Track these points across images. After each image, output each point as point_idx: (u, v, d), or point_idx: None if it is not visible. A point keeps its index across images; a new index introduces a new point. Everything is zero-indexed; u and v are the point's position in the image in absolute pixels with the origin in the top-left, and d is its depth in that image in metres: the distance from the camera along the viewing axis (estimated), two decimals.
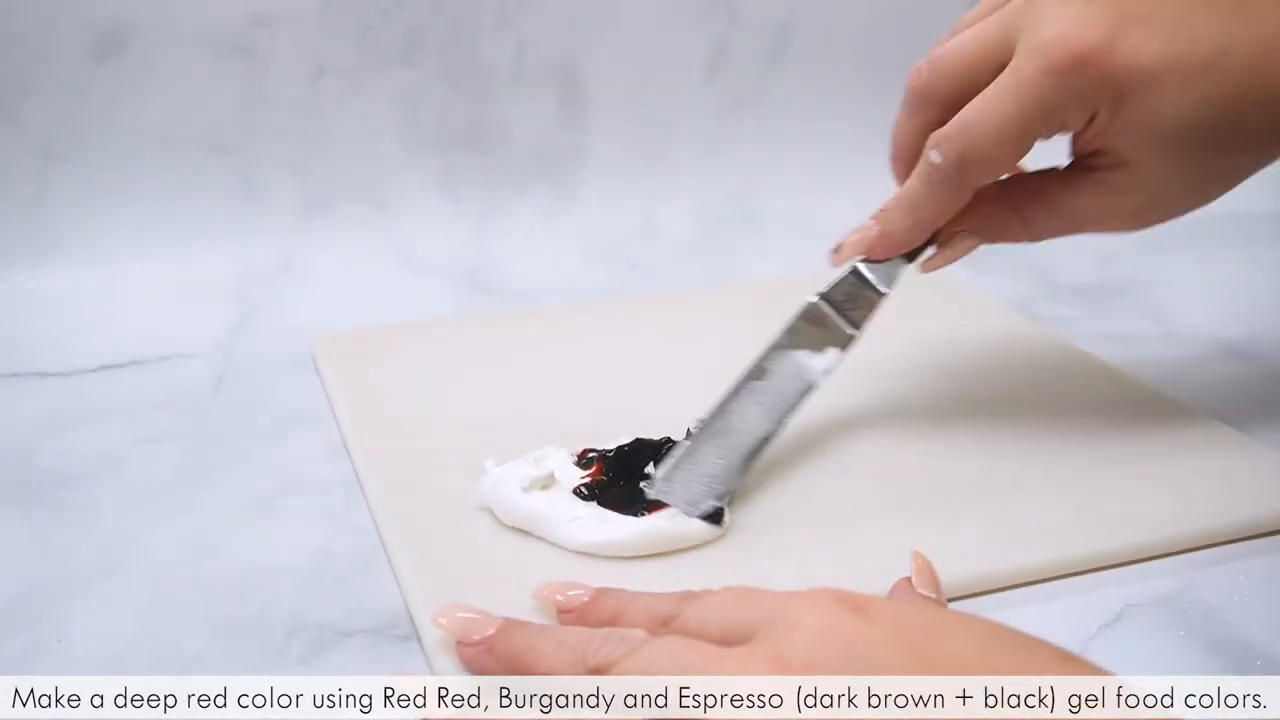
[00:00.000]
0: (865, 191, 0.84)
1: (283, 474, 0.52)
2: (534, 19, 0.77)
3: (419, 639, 0.40)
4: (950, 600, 0.42)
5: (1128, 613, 0.42)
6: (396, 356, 0.61)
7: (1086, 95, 0.44)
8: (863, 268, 0.50)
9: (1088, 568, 0.44)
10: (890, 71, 0.87)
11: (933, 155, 0.46)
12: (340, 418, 0.55)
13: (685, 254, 0.79)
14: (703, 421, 0.47)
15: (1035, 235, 0.49)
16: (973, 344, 0.62)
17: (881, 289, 0.49)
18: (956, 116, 0.45)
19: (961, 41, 0.47)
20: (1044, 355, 0.62)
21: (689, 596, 0.35)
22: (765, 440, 0.48)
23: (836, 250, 0.50)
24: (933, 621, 0.31)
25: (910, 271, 0.50)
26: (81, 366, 0.62)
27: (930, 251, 0.50)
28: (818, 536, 0.45)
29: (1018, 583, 0.43)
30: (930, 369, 0.60)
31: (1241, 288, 0.75)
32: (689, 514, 0.44)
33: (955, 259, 0.50)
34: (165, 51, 0.70)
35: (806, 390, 0.49)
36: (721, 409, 0.48)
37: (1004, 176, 0.48)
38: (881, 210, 0.49)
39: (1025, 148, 0.46)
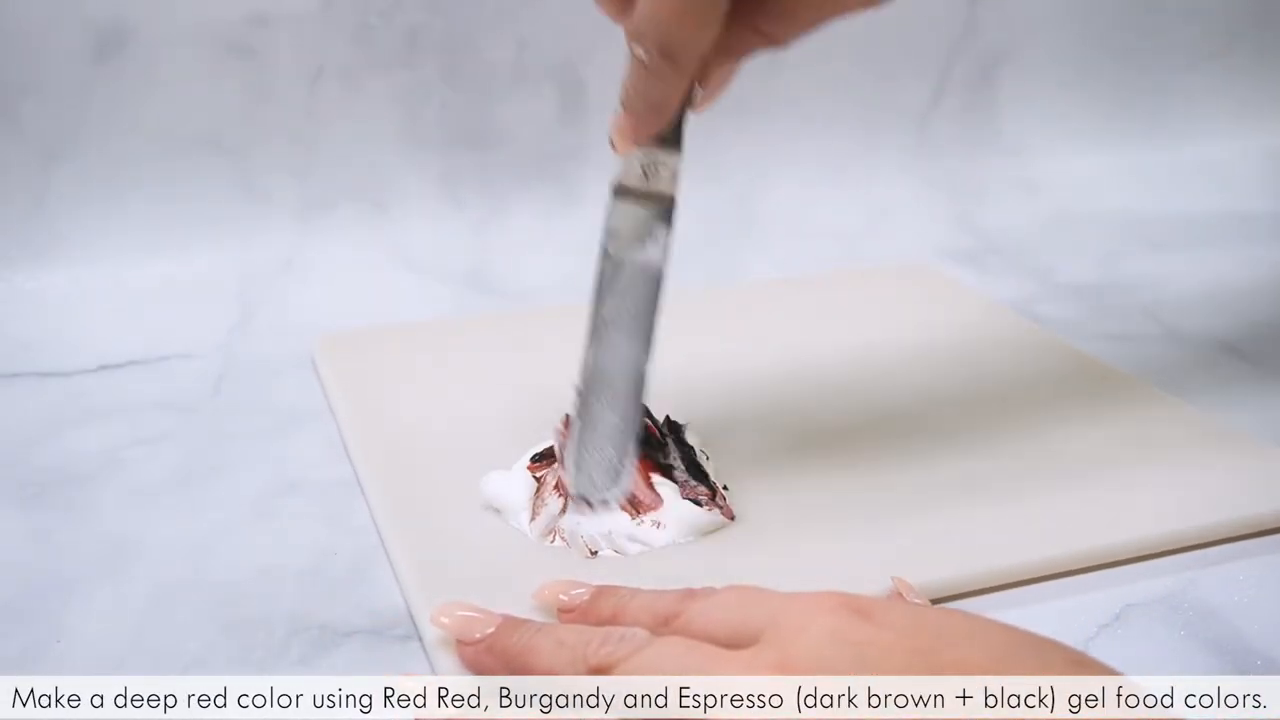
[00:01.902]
0: (865, 192, 0.85)
1: (283, 474, 0.52)
2: (534, 19, 0.77)
3: (419, 639, 0.40)
4: (950, 599, 0.42)
5: (1128, 613, 0.42)
6: (396, 356, 0.61)
7: None
8: (642, 150, 0.46)
9: (1088, 567, 0.44)
10: (890, 72, 0.88)
11: (638, 51, 0.44)
12: (340, 418, 0.55)
13: (685, 254, 0.78)
14: (578, 387, 0.45)
15: (783, 44, 0.45)
16: (973, 344, 0.62)
17: (672, 149, 0.46)
18: (637, 7, 0.43)
19: None
20: (1044, 355, 0.62)
21: (691, 595, 0.35)
22: (645, 367, 0.45)
23: (612, 145, 0.47)
24: (941, 626, 0.31)
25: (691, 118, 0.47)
26: (81, 366, 0.62)
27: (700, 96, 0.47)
28: (818, 535, 0.45)
29: (1018, 582, 0.43)
30: (930, 369, 0.60)
31: (1241, 288, 0.75)
32: (610, 500, 0.43)
33: (722, 88, 0.47)
34: (165, 51, 0.70)
35: (657, 282, 0.45)
36: (586, 360, 0.45)
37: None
38: (623, 97, 0.46)
39: (717, 17, 0.43)
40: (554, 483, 0.45)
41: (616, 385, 0.45)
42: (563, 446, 0.45)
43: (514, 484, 0.46)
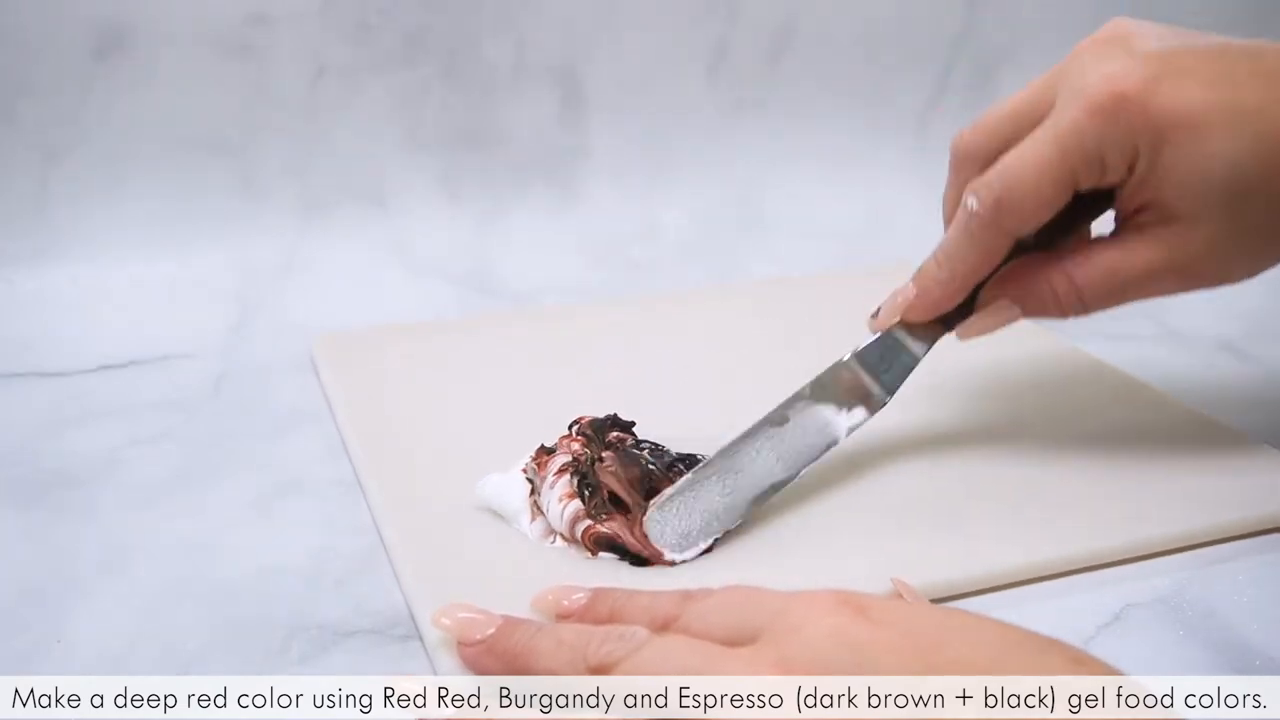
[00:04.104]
0: (865, 191, 0.85)
1: (283, 474, 0.52)
2: (534, 19, 0.77)
3: (420, 639, 0.40)
4: (950, 599, 0.42)
5: (1128, 613, 0.42)
6: (396, 356, 0.61)
7: (1127, 135, 0.43)
8: (899, 331, 0.48)
9: (1088, 567, 0.44)
10: (890, 71, 0.88)
11: (970, 201, 0.45)
12: (340, 418, 0.55)
13: (685, 254, 0.79)
14: (711, 458, 0.46)
15: (1083, 301, 0.46)
16: (973, 345, 0.62)
17: (917, 353, 0.48)
18: (996, 163, 0.45)
19: (1004, 100, 0.46)
20: (1044, 356, 0.61)
21: (689, 596, 0.35)
22: (776, 487, 0.46)
23: (874, 315, 0.49)
24: (941, 625, 0.30)
25: (948, 338, 0.49)
26: (81, 366, 0.62)
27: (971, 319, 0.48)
28: (818, 535, 0.45)
29: (1018, 581, 0.43)
30: (930, 370, 0.59)
31: (1241, 288, 0.74)
32: (675, 553, 0.43)
33: (994, 328, 0.48)
34: (165, 51, 0.70)
35: (828, 446, 0.47)
36: (734, 447, 0.46)
37: (1048, 243, 0.47)
38: (919, 270, 0.48)
39: (1064, 193, 0.44)
40: (551, 481, 0.45)
41: (741, 480, 0.45)
42: (539, 477, 0.46)
43: (510, 488, 0.46)
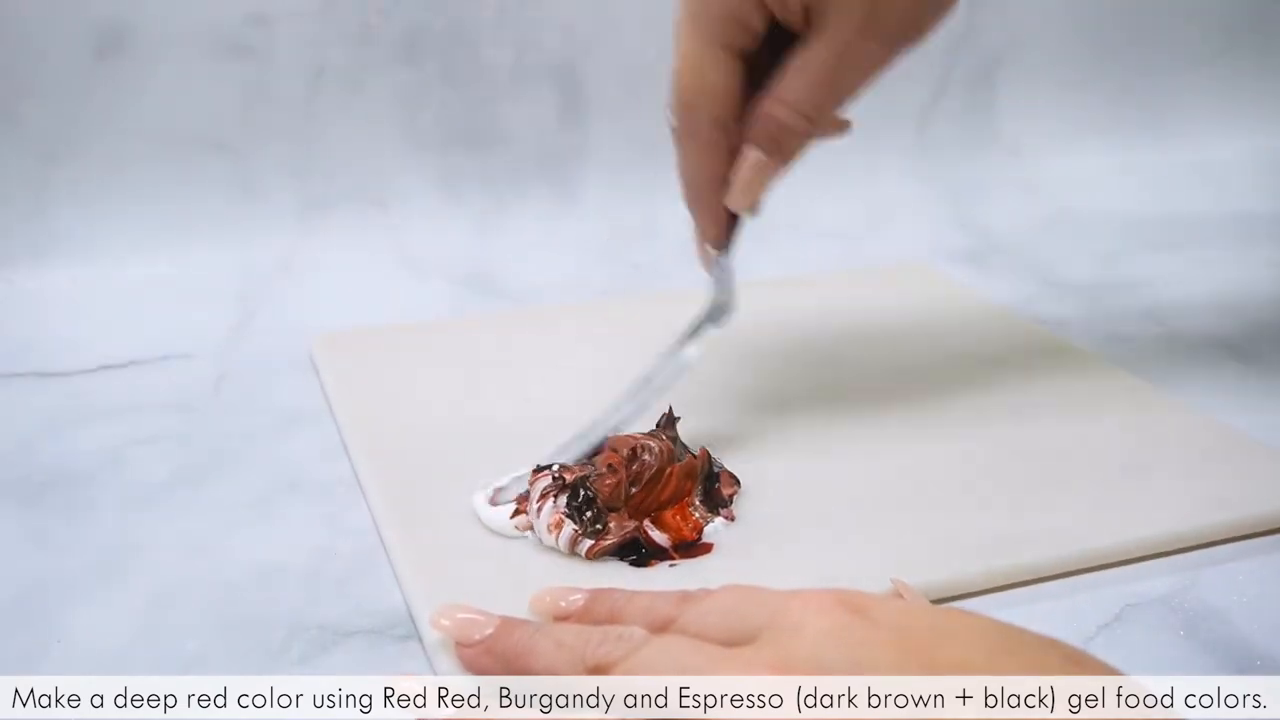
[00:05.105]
0: (865, 191, 0.85)
1: (282, 474, 0.52)
2: (534, 19, 0.77)
3: (419, 639, 0.40)
4: (950, 599, 0.42)
5: (1128, 613, 0.42)
6: (396, 356, 0.61)
7: None
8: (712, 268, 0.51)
9: (1088, 567, 0.44)
10: (890, 71, 0.88)
11: (669, 118, 0.48)
12: (340, 418, 0.55)
13: (685, 254, 0.78)
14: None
15: (802, 112, 0.47)
16: (973, 344, 0.62)
17: (724, 263, 0.51)
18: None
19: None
20: (1044, 355, 0.62)
21: (687, 598, 0.35)
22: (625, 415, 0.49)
23: (703, 266, 0.52)
24: (939, 625, 0.31)
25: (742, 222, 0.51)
26: (81, 366, 0.62)
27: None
28: (818, 535, 0.45)
29: (1018, 581, 0.43)
30: (930, 369, 0.60)
31: (1241, 288, 0.75)
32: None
33: (750, 182, 0.48)
34: (165, 51, 0.70)
35: (681, 373, 0.50)
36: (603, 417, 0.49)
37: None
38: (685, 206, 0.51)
39: (729, 63, 0.46)
40: (538, 494, 0.45)
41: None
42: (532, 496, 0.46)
43: (496, 515, 0.46)
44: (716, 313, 0.51)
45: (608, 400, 0.50)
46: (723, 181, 0.49)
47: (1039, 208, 0.86)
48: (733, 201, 0.49)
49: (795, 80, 0.46)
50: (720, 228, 0.50)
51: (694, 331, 0.51)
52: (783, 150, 0.48)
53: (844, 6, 0.45)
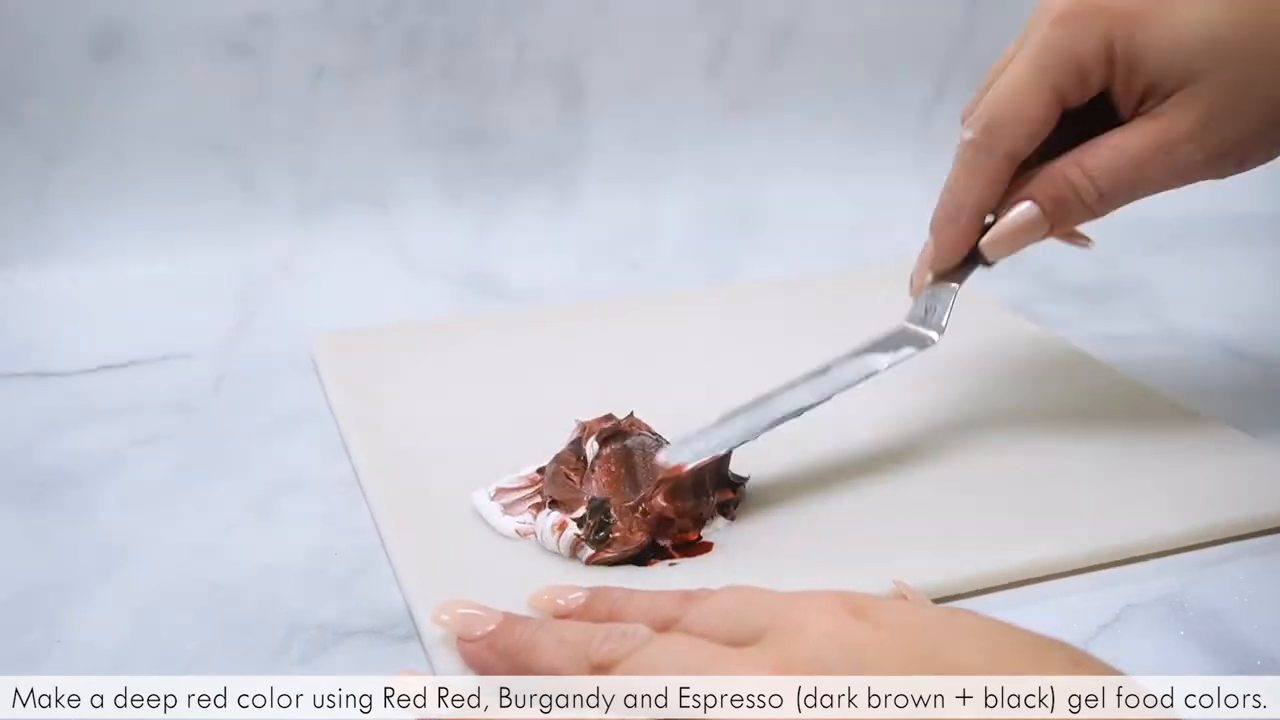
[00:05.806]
0: (865, 191, 0.85)
1: (282, 474, 0.52)
2: (534, 19, 0.77)
3: (419, 639, 0.40)
4: (950, 599, 0.42)
5: (1128, 613, 0.42)
6: (396, 356, 0.61)
7: (1094, 32, 0.44)
8: (934, 286, 0.50)
9: (1088, 567, 0.44)
10: (890, 72, 0.88)
11: (964, 133, 0.47)
12: (340, 418, 0.55)
13: (685, 254, 0.79)
14: (745, 404, 0.47)
15: (1097, 187, 0.46)
16: (973, 344, 0.62)
17: (954, 286, 0.50)
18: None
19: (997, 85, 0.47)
20: (1044, 355, 0.62)
21: (689, 598, 0.35)
22: (800, 410, 0.47)
23: (912, 287, 0.51)
24: (941, 625, 0.31)
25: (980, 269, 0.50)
26: (81, 366, 0.62)
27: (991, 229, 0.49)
28: (818, 535, 0.45)
29: (1018, 581, 0.43)
30: (930, 369, 0.59)
31: (1241, 288, 0.75)
32: (683, 457, 0.44)
33: (1016, 231, 0.48)
34: (165, 51, 0.70)
35: (866, 376, 0.48)
36: (771, 393, 0.47)
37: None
38: (931, 221, 0.50)
39: (1049, 107, 0.46)
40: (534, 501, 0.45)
41: (766, 409, 0.47)
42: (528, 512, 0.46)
43: (499, 521, 0.46)
44: (920, 339, 0.50)
45: (781, 381, 0.48)
46: (983, 215, 0.48)
47: None
48: (988, 243, 0.49)
49: (1104, 154, 0.46)
50: (957, 259, 0.49)
51: (891, 345, 0.49)
52: (1059, 213, 0.47)
53: (1185, 105, 0.44)
